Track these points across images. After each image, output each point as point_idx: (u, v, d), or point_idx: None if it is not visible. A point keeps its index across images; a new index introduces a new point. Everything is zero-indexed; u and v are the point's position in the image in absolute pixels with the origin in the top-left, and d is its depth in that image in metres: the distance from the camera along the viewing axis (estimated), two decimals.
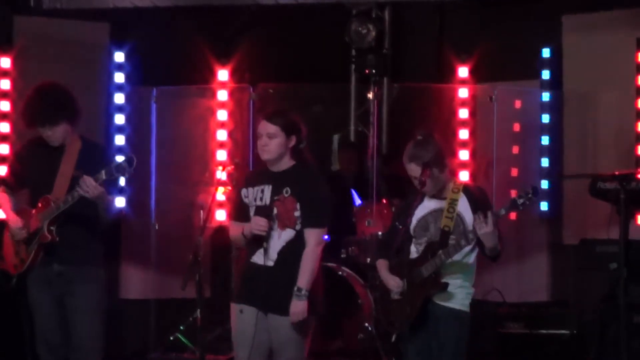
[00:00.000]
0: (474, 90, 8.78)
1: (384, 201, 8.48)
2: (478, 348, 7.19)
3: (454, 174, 6.02)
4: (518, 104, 8.95)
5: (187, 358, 8.54)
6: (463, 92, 8.76)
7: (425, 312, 5.53)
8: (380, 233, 8.06)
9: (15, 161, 6.29)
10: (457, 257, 5.51)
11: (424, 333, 5.55)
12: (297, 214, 5.46)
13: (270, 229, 5.45)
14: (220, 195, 8.09)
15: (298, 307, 5.40)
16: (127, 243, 9.02)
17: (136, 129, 8.84)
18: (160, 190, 8.96)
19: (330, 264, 8.06)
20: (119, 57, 8.81)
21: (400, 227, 5.54)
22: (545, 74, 8.79)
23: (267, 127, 5.52)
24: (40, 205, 5.97)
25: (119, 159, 5.88)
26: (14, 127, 8.11)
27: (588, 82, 8.60)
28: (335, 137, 9.89)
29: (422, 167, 5.46)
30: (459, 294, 5.56)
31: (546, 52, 8.78)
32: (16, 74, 8.22)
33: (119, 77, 8.83)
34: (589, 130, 8.67)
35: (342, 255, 8.38)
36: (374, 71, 9.28)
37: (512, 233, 8.34)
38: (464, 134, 8.68)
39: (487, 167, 8.78)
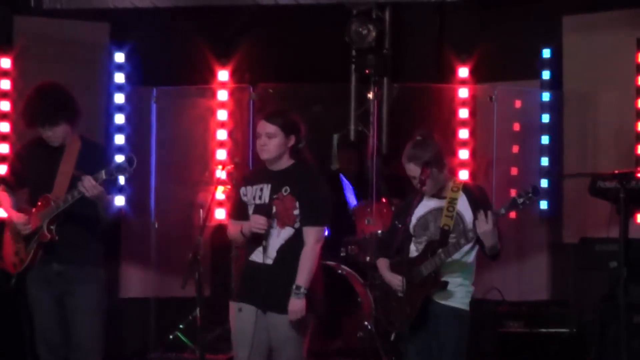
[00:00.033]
0: (474, 90, 8.78)
1: (384, 200, 8.48)
2: (478, 347, 7.19)
3: (453, 173, 6.02)
4: (518, 103, 8.96)
5: (187, 357, 8.54)
6: (463, 92, 8.76)
7: (425, 311, 5.53)
8: (380, 232, 8.07)
9: (15, 161, 6.30)
10: (456, 255, 5.51)
11: (423, 332, 5.54)
12: (296, 212, 5.47)
13: (270, 227, 5.46)
14: (220, 194, 8.10)
15: (296, 305, 5.40)
16: (127, 242, 9.02)
17: (136, 129, 8.84)
18: (160, 190, 8.96)
19: (330, 263, 8.06)
20: (119, 57, 8.81)
21: (400, 226, 5.55)
22: (546, 74, 8.79)
23: (266, 127, 5.53)
24: (40, 204, 5.97)
25: (119, 158, 5.89)
26: (14, 127, 8.12)
27: (588, 82, 8.60)
28: (335, 137, 9.88)
29: (422, 167, 5.46)
30: (458, 293, 5.56)
31: (546, 52, 8.78)
32: (16, 74, 8.23)
33: (119, 77, 8.83)
34: (589, 130, 8.68)
35: (342, 254, 8.39)
36: (374, 71, 9.28)
37: (512, 232, 8.35)
38: (464, 133, 8.69)
39: (487, 166, 8.79)
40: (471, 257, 5.57)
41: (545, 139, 8.73)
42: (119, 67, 8.83)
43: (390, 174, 8.68)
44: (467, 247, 5.50)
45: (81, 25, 8.71)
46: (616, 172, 6.91)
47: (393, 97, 9.61)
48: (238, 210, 5.65)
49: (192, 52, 9.01)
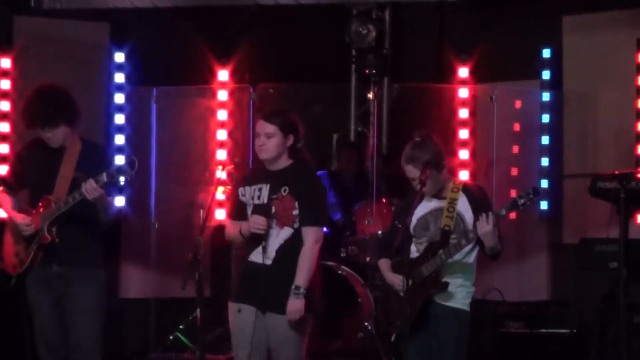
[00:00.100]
0: (474, 91, 8.78)
1: (384, 200, 8.48)
2: (478, 347, 7.20)
3: (453, 174, 6.02)
4: (518, 104, 8.96)
5: (187, 358, 8.54)
6: (463, 92, 8.76)
7: (425, 312, 5.52)
8: (380, 232, 8.07)
9: (15, 162, 6.30)
10: (457, 256, 5.51)
11: (424, 333, 5.54)
12: (295, 212, 5.46)
13: (269, 227, 5.46)
14: (220, 194, 8.10)
15: (295, 305, 5.40)
16: (127, 242, 9.02)
17: (136, 129, 8.84)
18: (160, 190, 8.96)
19: (330, 263, 8.06)
20: (119, 57, 8.81)
21: (400, 226, 5.54)
22: (546, 74, 8.79)
23: (265, 127, 5.53)
24: (40, 205, 5.97)
25: (120, 160, 5.89)
26: (14, 127, 8.11)
27: (588, 82, 8.60)
28: (335, 137, 9.89)
29: (422, 167, 5.46)
30: (459, 293, 5.56)
31: (546, 52, 8.78)
32: (16, 74, 8.23)
33: (119, 77, 8.83)
34: (589, 130, 8.67)
35: (342, 255, 8.39)
36: (374, 71, 9.28)
37: (512, 232, 8.35)
38: (464, 133, 8.69)
39: (487, 167, 8.79)
40: (472, 258, 5.57)
41: (545, 139, 8.73)
42: (119, 67, 8.82)
43: (391, 174, 8.69)
44: (467, 248, 5.50)
45: (81, 25, 8.71)
46: (616, 172, 6.91)
47: (393, 97, 9.62)
48: (236, 210, 5.65)
49: (192, 52, 9.01)
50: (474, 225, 5.41)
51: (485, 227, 5.33)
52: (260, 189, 5.55)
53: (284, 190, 5.49)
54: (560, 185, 8.70)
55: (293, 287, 5.42)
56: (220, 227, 5.83)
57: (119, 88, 8.82)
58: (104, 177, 5.69)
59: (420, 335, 5.54)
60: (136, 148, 8.57)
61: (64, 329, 6.03)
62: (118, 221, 8.61)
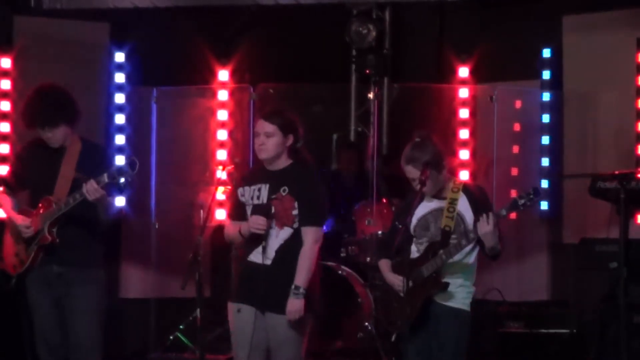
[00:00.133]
0: (474, 91, 8.78)
1: (384, 201, 8.48)
2: (478, 347, 7.20)
3: (453, 174, 6.02)
4: (518, 104, 8.96)
5: (187, 358, 8.54)
6: (463, 92, 8.76)
7: (425, 312, 5.53)
8: (380, 233, 8.07)
9: (16, 162, 6.30)
10: (457, 256, 5.51)
11: (424, 333, 5.54)
12: (295, 212, 5.46)
13: (269, 227, 5.46)
14: (220, 194, 8.10)
15: (295, 305, 5.40)
16: (127, 242, 9.02)
17: (136, 129, 8.84)
18: (160, 190, 8.96)
19: (330, 263, 8.06)
20: (119, 57, 8.81)
21: (400, 226, 5.54)
22: (546, 74, 8.78)
23: (265, 126, 5.53)
24: (41, 206, 5.97)
25: (120, 160, 5.89)
26: (14, 127, 8.12)
27: (588, 82, 8.60)
28: (335, 137, 9.89)
29: (422, 167, 5.46)
30: (459, 294, 5.56)
31: (546, 52, 8.78)
32: (16, 74, 8.23)
33: (119, 77, 8.83)
34: (589, 130, 8.67)
35: (342, 255, 8.39)
36: (374, 71, 9.28)
37: (512, 232, 8.34)
38: (464, 133, 8.69)
39: (488, 167, 8.79)
40: (472, 258, 5.57)
41: (545, 139, 8.73)
42: (119, 67, 8.82)
43: (391, 174, 8.68)
44: (468, 248, 5.50)
45: (81, 25, 8.71)
46: (616, 172, 6.91)
47: (393, 97, 9.62)
48: (236, 210, 5.65)
49: (192, 52, 9.01)
50: (475, 226, 5.41)
51: (486, 227, 5.33)
52: (259, 189, 5.55)
53: (284, 190, 5.49)
54: (560, 185, 8.70)
55: (293, 287, 5.42)
56: (221, 227, 5.83)
57: (119, 88, 8.82)
58: (105, 177, 5.68)
59: (421, 335, 5.54)
60: (136, 148, 8.57)
61: (64, 329, 6.03)
62: (118, 221, 8.61)
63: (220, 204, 8.54)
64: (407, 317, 5.48)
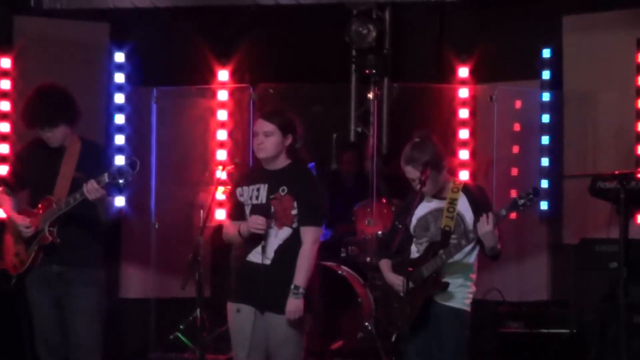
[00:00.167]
0: (474, 91, 8.78)
1: (384, 200, 8.48)
2: (478, 347, 7.19)
3: (453, 174, 6.02)
4: (518, 104, 8.96)
5: (187, 358, 8.54)
6: (463, 92, 8.76)
7: (425, 312, 5.53)
8: (380, 233, 8.07)
9: (15, 162, 6.30)
10: (458, 256, 5.51)
11: (424, 333, 5.54)
12: (294, 212, 5.47)
13: (269, 227, 5.46)
14: (220, 194, 8.10)
15: (295, 305, 5.40)
16: (127, 243, 9.03)
17: (136, 129, 8.85)
18: (160, 190, 8.96)
19: (330, 263, 8.06)
20: (119, 57, 8.81)
21: (400, 226, 5.54)
22: (546, 74, 8.78)
23: (264, 126, 5.54)
24: (41, 206, 5.97)
25: (121, 160, 5.89)
26: (14, 127, 8.12)
27: (588, 82, 8.60)
28: (334, 137, 9.88)
29: (422, 167, 5.46)
30: (459, 294, 5.55)
31: (546, 52, 8.78)
32: (16, 74, 8.23)
33: (119, 78, 8.83)
34: (589, 130, 8.67)
35: (342, 255, 8.39)
36: (374, 71, 9.28)
37: (512, 233, 8.34)
38: (464, 133, 8.69)
39: (488, 167, 8.78)
40: (472, 258, 5.57)
41: (545, 139, 8.73)
42: (119, 67, 8.83)
43: (391, 174, 8.68)
44: (468, 248, 5.50)
45: (81, 25, 8.71)
46: (616, 172, 6.90)
47: (393, 97, 9.62)
48: (234, 210, 5.65)
49: (192, 52, 9.01)
50: (474, 226, 5.41)
51: (486, 227, 5.33)
52: (258, 189, 5.55)
53: (283, 190, 5.49)
54: (560, 186, 8.70)
55: (292, 287, 5.42)
56: (221, 228, 5.83)
57: (119, 88, 8.83)
58: (106, 177, 5.68)
59: (421, 335, 5.54)
60: (136, 148, 8.57)
61: (64, 329, 6.03)
62: (118, 221, 8.62)
63: (220, 204, 8.54)
64: (407, 317, 5.48)
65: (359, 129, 9.72)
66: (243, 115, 8.94)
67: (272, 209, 5.47)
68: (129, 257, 9.04)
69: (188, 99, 9.11)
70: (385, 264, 5.71)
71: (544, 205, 8.65)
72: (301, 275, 5.43)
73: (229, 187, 6.04)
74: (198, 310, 5.80)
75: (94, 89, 8.64)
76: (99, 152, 6.23)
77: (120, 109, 8.80)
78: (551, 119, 8.73)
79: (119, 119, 8.79)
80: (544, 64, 8.79)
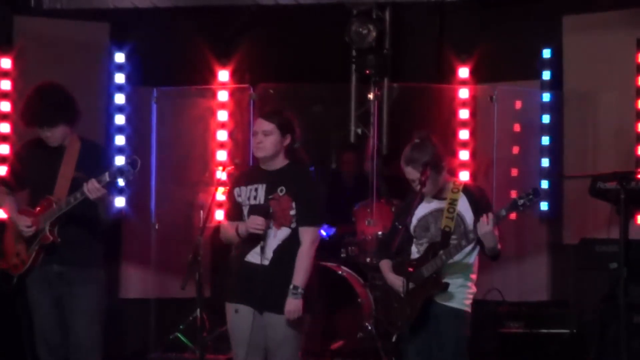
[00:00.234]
0: (474, 91, 8.78)
1: (384, 201, 8.47)
2: (478, 347, 7.19)
3: (453, 174, 6.02)
4: (518, 104, 8.96)
5: (187, 358, 8.54)
6: (463, 93, 8.76)
7: (425, 312, 5.53)
8: (380, 233, 8.06)
9: (15, 161, 6.29)
10: (458, 257, 5.51)
11: (424, 333, 5.54)
12: (292, 212, 5.47)
13: (267, 227, 5.46)
14: (220, 195, 8.10)
15: (294, 305, 5.41)
16: (127, 243, 9.03)
17: (136, 129, 8.85)
18: (160, 190, 8.96)
19: (330, 264, 8.07)
20: (119, 57, 8.82)
21: (400, 227, 5.54)
22: (546, 74, 8.78)
23: (263, 125, 5.55)
24: (41, 206, 5.97)
25: (121, 160, 5.89)
26: (14, 127, 8.12)
27: (588, 82, 8.60)
28: (334, 138, 9.89)
29: (422, 168, 5.46)
30: (459, 294, 5.56)
31: (546, 53, 8.78)
32: (16, 74, 8.23)
33: (119, 78, 8.84)
34: (589, 130, 8.67)
35: (342, 255, 8.39)
36: (374, 71, 9.28)
37: (512, 233, 8.35)
38: (464, 134, 8.69)
39: (487, 167, 8.78)
40: (472, 258, 5.57)
41: (545, 140, 8.73)
42: (119, 67, 8.83)
43: (391, 174, 8.68)
44: (468, 248, 5.50)
45: (81, 25, 8.71)
46: (616, 172, 6.90)
47: (393, 97, 9.61)
48: (232, 210, 5.65)
49: (192, 52, 9.02)
50: (475, 226, 5.41)
51: (486, 227, 5.33)
52: (256, 189, 5.56)
53: (281, 191, 5.50)
54: (560, 186, 8.70)
55: (291, 287, 5.42)
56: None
57: (119, 88, 8.83)
58: (106, 176, 5.69)
59: (421, 335, 5.54)
60: (136, 148, 8.57)
61: (64, 329, 6.03)
62: (118, 221, 8.62)
63: (220, 205, 8.53)
64: (407, 318, 5.48)
65: (359, 129, 9.72)
66: (243, 115, 8.94)
67: (271, 209, 5.48)
68: (129, 257, 9.04)
69: (188, 99, 9.11)
70: (385, 265, 5.71)
71: (544, 205, 8.65)
72: (300, 276, 5.43)
73: (228, 187, 6.05)
74: (198, 310, 5.80)
75: (94, 89, 8.63)
76: (99, 151, 6.23)
77: (120, 109, 8.81)
78: (551, 119, 8.73)
79: (119, 119, 8.79)
80: (544, 64, 8.79)
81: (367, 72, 9.30)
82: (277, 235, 5.49)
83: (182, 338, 8.61)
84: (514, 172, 8.83)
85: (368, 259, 8.20)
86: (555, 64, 8.76)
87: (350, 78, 9.75)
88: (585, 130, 8.68)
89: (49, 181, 5.98)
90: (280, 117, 5.58)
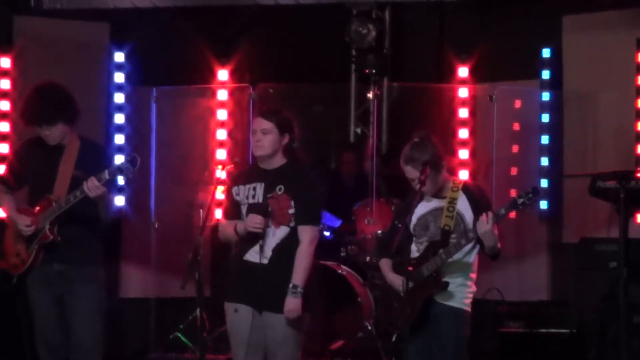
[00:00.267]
0: (474, 90, 8.79)
1: (384, 201, 8.47)
2: (478, 347, 7.19)
3: (452, 173, 6.02)
4: (518, 103, 8.95)
5: (187, 358, 8.54)
6: (463, 92, 8.77)
7: (425, 312, 5.52)
8: (379, 232, 8.06)
9: (14, 160, 6.28)
10: (457, 256, 5.51)
11: (424, 332, 5.54)
12: (291, 211, 5.48)
13: (266, 226, 5.45)
14: (220, 194, 8.10)
15: (293, 304, 5.42)
16: (127, 242, 9.02)
17: (136, 129, 8.85)
18: (160, 190, 8.96)
19: (329, 263, 8.06)
20: (119, 57, 8.82)
21: (400, 225, 5.54)
22: (545, 74, 8.78)
23: (262, 123, 5.56)
24: (41, 205, 5.97)
25: (120, 158, 5.88)
26: (14, 126, 8.12)
27: (588, 82, 8.60)
28: (334, 138, 9.89)
29: (422, 167, 5.46)
30: (459, 293, 5.55)
31: (546, 52, 8.77)
32: (16, 74, 8.24)
33: (119, 77, 8.84)
34: (589, 130, 8.67)
35: (342, 254, 8.39)
36: (374, 71, 9.28)
37: (512, 232, 8.35)
38: (463, 133, 8.70)
39: (487, 166, 8.78)
40: (472, 257, 5.57)
41: (545, 139, 8.72)
42: (119, 67, 8.83)
43: (390, 174, 8.68)
44: (468, 247, 5.50)
45: (81, 25, 8.72)
46: (616, 171, 6.90)
47: (393, 97, 9.62)
48: (230, 209, 5.66)
49: (192, 52, 9.02)
50: (474, 225, 5.41)
51: (485, 226, 5.33)
52: (254, 188, 5.56)
53: (279, 189, 5.50)
54: (560, 185, 8.70)
55: (290, 286, 5.42)
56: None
57: (119, 88, 8.83)
58: (106, 174, 5.69)
59: (421, 335, 5.54)
60: (136, 148, 8.56)
61: (64, 329, 6.03)
62: (118, 221, 8.62)
63: (220, 204, 8.52)
64: (407, 317, 5.48)
65: (359, 129, 9.72)
66: (243, 115, 8.94)
67: (270, 208, 5.48)
68: (129, 256, 9.04)
69: (188, 98, 9.11)
70: (385, 264, 5.71)
71: (543, 204, 8.64)
72: (299, 274, 5.44)
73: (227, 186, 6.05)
74: (198, 310, 5.80)
75: (94, 89, 8.64)
76: (98, 150, 6.23)
77: (120, 108, 8.81)
78: (551, 118, 8.73)
79: (119, 118, 8.79)
80: (543, 64, 8.78)
81: (367, 71, 9.31)
82: (276, 234, 5.49)
83: (182, 338, 8.61)
84: (514, 171, 8.83)
85: (368, 258, 8.20)
86: (555, 64, 8.76)
87: (350, 78, 9.76)
88: (585, 129, 8.68)
89: (48, 180, 5.98)
90: (279, 116, 5.59)
